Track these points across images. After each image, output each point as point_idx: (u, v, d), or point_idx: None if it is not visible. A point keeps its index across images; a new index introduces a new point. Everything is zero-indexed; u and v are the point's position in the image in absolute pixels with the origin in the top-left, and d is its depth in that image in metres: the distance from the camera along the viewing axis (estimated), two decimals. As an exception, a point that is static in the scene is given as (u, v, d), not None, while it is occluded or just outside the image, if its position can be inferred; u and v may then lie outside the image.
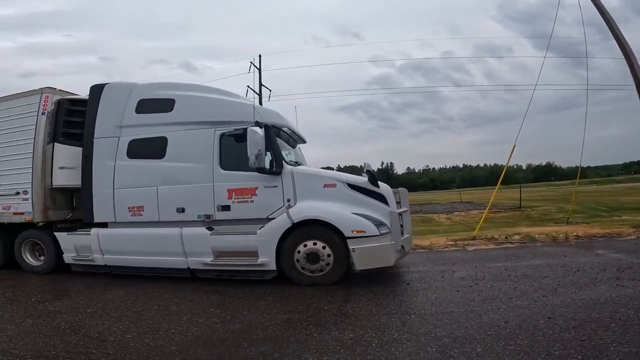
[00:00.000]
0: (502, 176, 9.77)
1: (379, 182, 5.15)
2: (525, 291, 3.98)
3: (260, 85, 24.06)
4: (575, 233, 7.58)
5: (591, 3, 8.93)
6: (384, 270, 5.06)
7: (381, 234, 4.62)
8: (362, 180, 5.04)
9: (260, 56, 24.64)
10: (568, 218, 12.72)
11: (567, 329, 2.80)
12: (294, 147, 6.28)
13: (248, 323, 3.52)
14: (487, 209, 10.89)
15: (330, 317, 3.64)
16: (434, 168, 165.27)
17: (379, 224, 4.69)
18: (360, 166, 6.05)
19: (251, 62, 24.02)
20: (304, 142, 6.71)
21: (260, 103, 23.43)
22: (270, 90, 24.10)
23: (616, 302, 3.33)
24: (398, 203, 5.39)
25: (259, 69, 24.20)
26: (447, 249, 7.25)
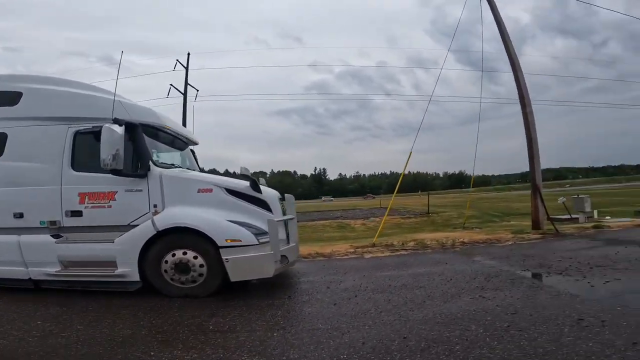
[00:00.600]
0: (398, 183, 10.09)
1: (264, 188, 4.78)
2: (397, 304, 3.89)
3: (186, 84, 22.34)
4: (462, 239, 8.10)
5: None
6: (272, 280, 4.72)
7: (260, 243, 4.27)
8: (243, 185, 4.59)
9: (189, 54, 22.86)
10: (464, 224, 13.93)
11: (415, 352, 2.65)
12: (181, 149, 5.83)
13: (75, 338, 3.19)
14: (385, 215, 11.24)
15: (184, 334, 3.24)
16: (364, 174, 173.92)
17: (258, 232, 4.34)
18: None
19: (177, 60, 22.24)
20: (195, 143, 6.25)
21: (185, 103, 21.72)
22: (197, 90, 22.47)
23: (471, 317, 3.34)
24: (285, 210, 5.08)
25: (186, 68, 22.46)
26: (345, 257, 7.17)
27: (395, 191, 10.47)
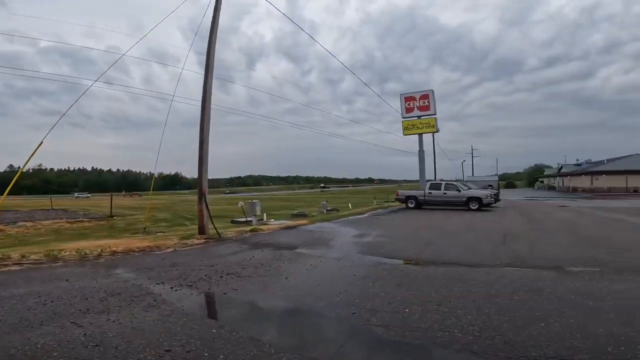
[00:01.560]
0: (13, 181, 7.26)
1: None
2: None
3: None
4: (115, 248, 6.78)
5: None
6: None
7: None
8: None
9: None
10: (145, 228, 12.64)
11: None
12: None
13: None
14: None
15: None
16: (52, 168, 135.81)
17: None
18: None
19: None
20: None
21: None
22: None
23: (35, 353, 2.11)
24: None
25: None
26: None
27: (6, 193, 7.35)
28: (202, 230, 9.08)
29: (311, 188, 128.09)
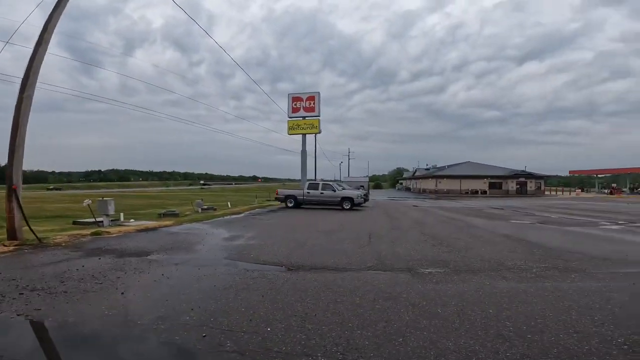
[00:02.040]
0: None
1: None
2: None
3: None
4: None
5: None
6: None
7: None
8: None
9: None
10: None
11: None
12: None
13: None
14: None
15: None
16: None
17: None
18: None
19: None
20: None
21: None
22: None
23: None
24: None
25: None
26: None
27: None
28: (13, 235, 6.87)
29: (190, 185, 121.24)
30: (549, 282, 4.56)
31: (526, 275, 4.92)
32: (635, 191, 54.49)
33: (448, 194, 50.71)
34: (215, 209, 19.37)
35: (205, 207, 19.65)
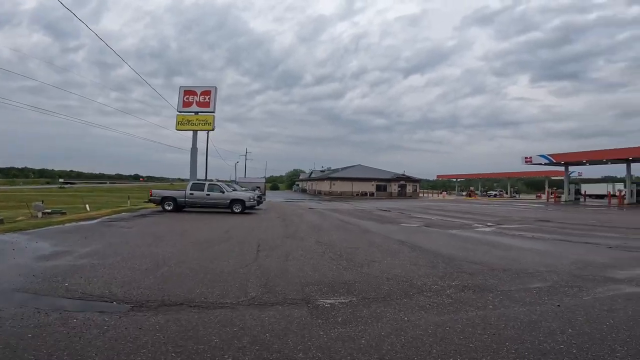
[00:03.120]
0: None
1: None
2: None
3: None
4: None
5: None
6: None
7: None
8: None
9: None
10: None
11: None
12: None
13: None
14: None
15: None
16: None
17: None
18: None
19: None
20: None
21: None
22: None
23: None
24: None
25: None
26: None
27: None
28: None
29: (47, 183, 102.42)
30: (471, 310, 3.69)
31: (443, 302, 4.00)
32: (486, 194, 66.46)
33: (341, 196, 52.74)
34: (64, 213, 15.07)
35: (49, 211, 15.16)
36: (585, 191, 44.49)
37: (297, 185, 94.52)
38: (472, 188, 69.75)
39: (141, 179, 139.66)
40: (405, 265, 5.98)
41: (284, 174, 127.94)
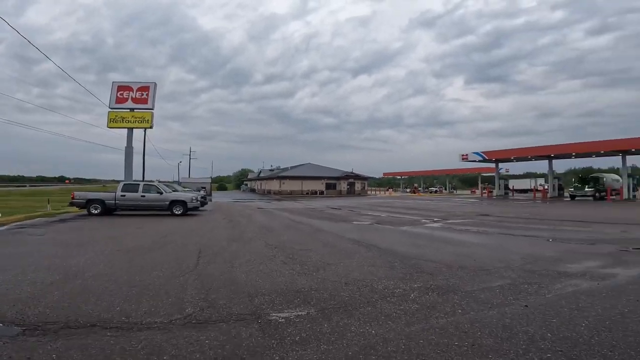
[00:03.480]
0: None
1: None
2: None
3: None
4: None
5: None
6: None
7: None
8: None
9: None
10: None
11: None
12: None
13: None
14: None
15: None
16: None
17: None
18: None
19: None
20: None
21: None
22: None
23: None
24: None
25: None
26: None
27: None
28: None
29: None
30: (441, 316, 3.34)
31: (410, 308, 3.61)
32: (428, 190, 70.27)
33: (291, 195, 52.03)
34: (-43, 221, 12.49)
35: (-63, 218, 12.48)
36: (513, 186, 48.88)
37: (246, 185, 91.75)
38: (415, 185, 73.33)
39: (67, 180, 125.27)
40: (363, 267, 5.58)
41: (231, 174, 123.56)
